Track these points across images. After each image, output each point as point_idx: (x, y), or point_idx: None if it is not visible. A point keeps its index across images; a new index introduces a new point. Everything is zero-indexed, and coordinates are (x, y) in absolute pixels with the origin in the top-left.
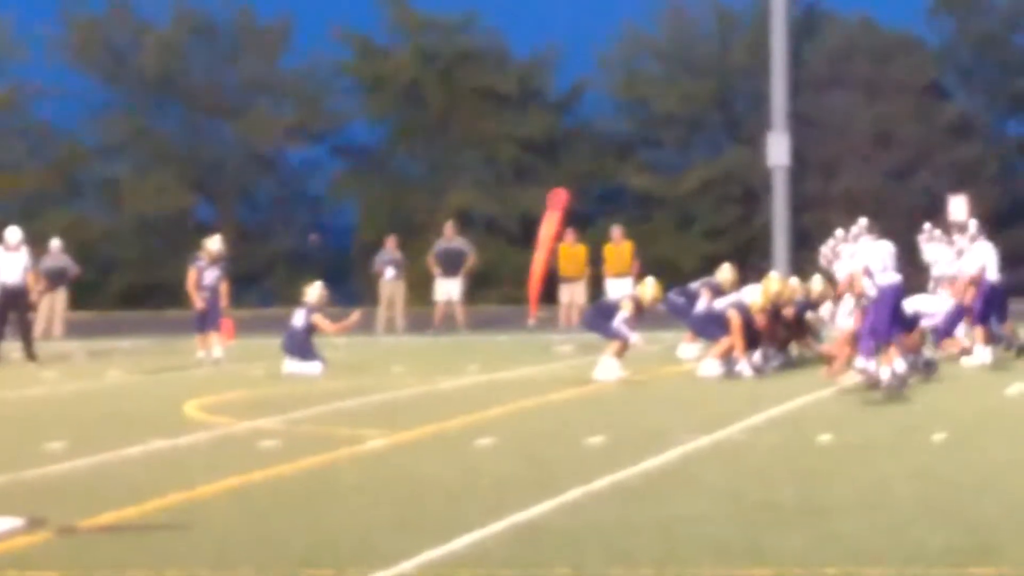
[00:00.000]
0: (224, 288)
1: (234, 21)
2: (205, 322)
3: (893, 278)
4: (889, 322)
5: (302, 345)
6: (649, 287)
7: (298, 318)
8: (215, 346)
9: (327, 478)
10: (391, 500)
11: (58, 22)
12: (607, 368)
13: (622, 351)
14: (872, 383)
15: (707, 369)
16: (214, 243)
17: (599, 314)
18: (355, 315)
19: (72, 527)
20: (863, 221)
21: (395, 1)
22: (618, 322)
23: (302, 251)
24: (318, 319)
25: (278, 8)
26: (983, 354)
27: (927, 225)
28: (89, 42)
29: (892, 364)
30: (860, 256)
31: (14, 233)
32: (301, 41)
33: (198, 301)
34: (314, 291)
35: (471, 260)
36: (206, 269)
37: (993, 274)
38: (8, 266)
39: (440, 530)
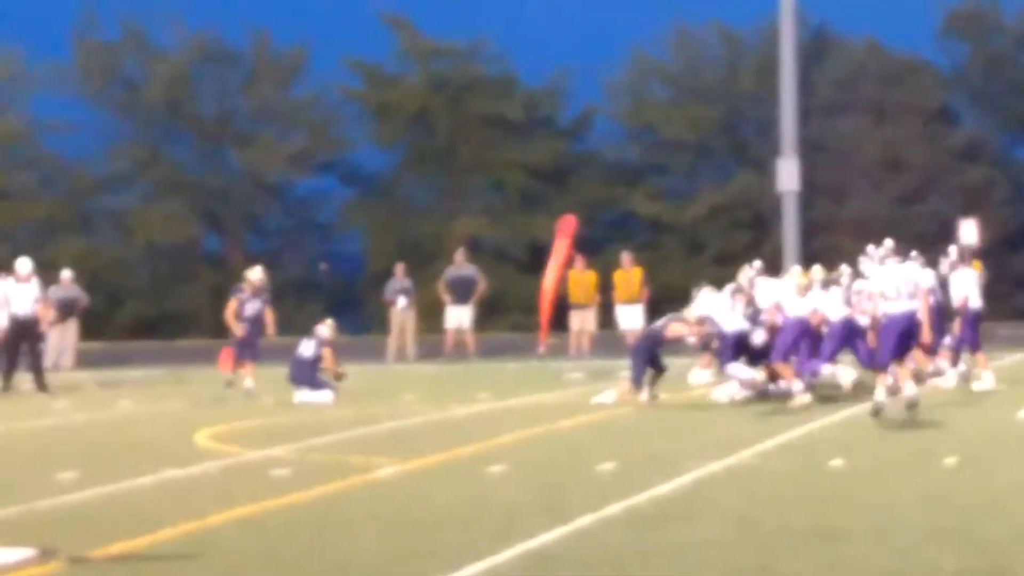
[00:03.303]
0: (269, 317)
1: (250, 49)
2: (243, 351)
3: (906, 306)
4: (892, 349)
5: (311, 374)
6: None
7: (307, 348)
8: (247, 378)
9: (339, 506)
10: (403, 528)
11: (69, 51)
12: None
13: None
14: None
15: (725, 391)
16: (255, 274)
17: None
18: (346, 374)
19: (84, 557)
20: (888, 243)
21: (405, 28)
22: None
23: (311, 280)
24: (327, 353)
25: (292, 37)
26: (988, 379)
27: (914, 253)
28: (100, 69)
29: (886, 383)
30: (875, 280)
31: (24, 264)
32: (310, 69)
33: (237, 330)
34: (328, 328)
35: (481, 287)
36: (247, 301)
37: (976, 301)
38: (19, 297)
39: (451, 557)
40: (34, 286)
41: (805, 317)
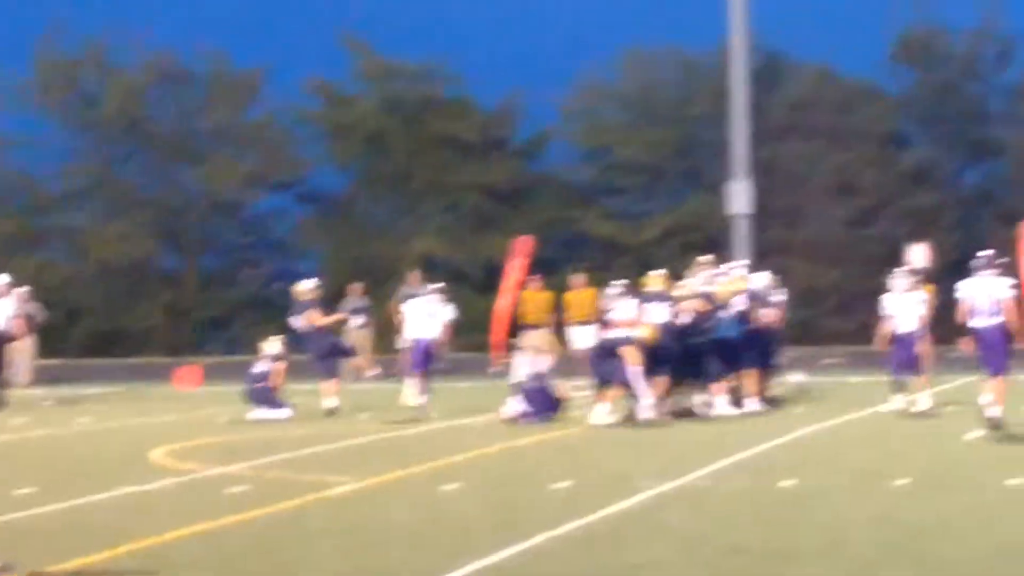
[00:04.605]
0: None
1: (207, 69)
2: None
3: (989, 321)
4: (989, 360)
5: (267, 392)
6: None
7: (260, 366)
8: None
9: (295, 523)
10: (358, 545)
11: (29, 66)
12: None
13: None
14: None
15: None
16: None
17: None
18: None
19: (41, 572)
20: (986, 254)
21: (362, 49)
22: (634, 376)
23: (266, 298)
24: (277, 369)
25: (251, 57)
26: (924, 401)
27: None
28: (59, 86)
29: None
30: (966, 292)
31: (2, 279)
32: (268, 89)
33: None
34: (277, 344)
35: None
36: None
37: (905, 325)
38: None
39: (407, 575)
40: (11, 301)
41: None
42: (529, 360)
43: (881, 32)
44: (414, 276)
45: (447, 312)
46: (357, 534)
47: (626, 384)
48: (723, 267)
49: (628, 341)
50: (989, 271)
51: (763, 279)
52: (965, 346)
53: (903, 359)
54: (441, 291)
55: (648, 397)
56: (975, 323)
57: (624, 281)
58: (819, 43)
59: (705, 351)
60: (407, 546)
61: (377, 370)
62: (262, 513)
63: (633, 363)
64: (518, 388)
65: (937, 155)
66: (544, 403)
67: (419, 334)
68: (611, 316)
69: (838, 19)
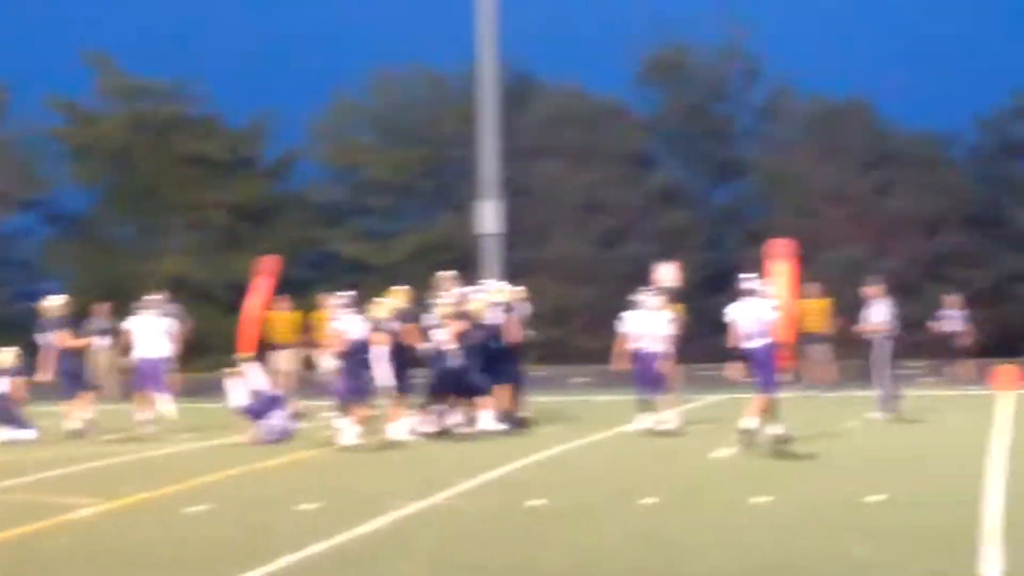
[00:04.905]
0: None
1: None
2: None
3: (760, 342)
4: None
5: (10, 412)
6: (383, 307)
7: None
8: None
9: (37, 547)
10: (101, 569)
11: None
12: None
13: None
14: None
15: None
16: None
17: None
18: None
19: None
20: (745, 277)
21: (106, 65)
22: (382, 374)
23: (9, 318)
24: (17, 384)
25: None
26: (671, 419)
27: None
28: None
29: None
30: (732, 315)
31: None
32: (13, 107)
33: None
34: (8, 357)
35: (183, 327)
36: None
37: (650, 343)
38: None
39: None
40: None
41: None
42: (242, 382)
43: (630, 52)
44: (154, 296)
45: (170, 326)
46: (102, 557)
47: (364, 399)
48: (481, 283)
49: (378, 329)
50: (754, 294)
51: (518, 294)
52: (732, 371)
53: (648, 378)
54: (162, 305)
55: (391, 383)
56: (746, 344)
57: (350, 292)
58: (569, 63)
59: (464, 369)
60: (152, 568)
61: (91, 416)
62: (5, 536)
63: (379, 344)
64: (240, 411)
65: (685, 174)
66: (273, 418)
67: (148, 352)
68: (336, 326)
69: (588, 39)
